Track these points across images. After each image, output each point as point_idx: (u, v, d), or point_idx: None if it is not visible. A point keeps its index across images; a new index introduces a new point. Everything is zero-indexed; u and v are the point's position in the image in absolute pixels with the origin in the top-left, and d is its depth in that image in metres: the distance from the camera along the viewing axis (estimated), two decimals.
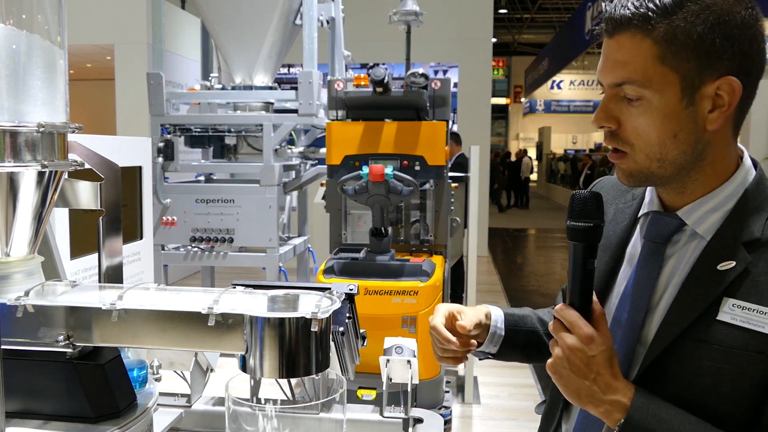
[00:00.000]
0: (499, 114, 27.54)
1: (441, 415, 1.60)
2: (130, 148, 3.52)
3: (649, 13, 0.94)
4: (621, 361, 1.01)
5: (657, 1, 0.94)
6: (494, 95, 20.31)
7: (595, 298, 1.01)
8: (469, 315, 1.30)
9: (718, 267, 0.98)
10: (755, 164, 1.06)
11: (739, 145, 1.05)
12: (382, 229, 3.31)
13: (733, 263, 0.97)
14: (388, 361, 1.51)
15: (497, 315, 1.34)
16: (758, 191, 1.03)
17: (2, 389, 0.94)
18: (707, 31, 0.93)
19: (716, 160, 1.02)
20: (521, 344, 1.35)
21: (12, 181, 1.04)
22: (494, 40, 10.64)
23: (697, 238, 1.04)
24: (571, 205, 1.01)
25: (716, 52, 0.94)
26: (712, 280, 0.98)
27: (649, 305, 1.05)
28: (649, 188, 1.14)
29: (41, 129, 1.03)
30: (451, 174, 3.78)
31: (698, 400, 0.97)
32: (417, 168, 3.40)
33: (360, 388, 3.05)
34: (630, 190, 1.21)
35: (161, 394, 1.50)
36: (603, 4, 1.01)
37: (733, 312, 0.96)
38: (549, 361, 1.00)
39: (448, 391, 3.71)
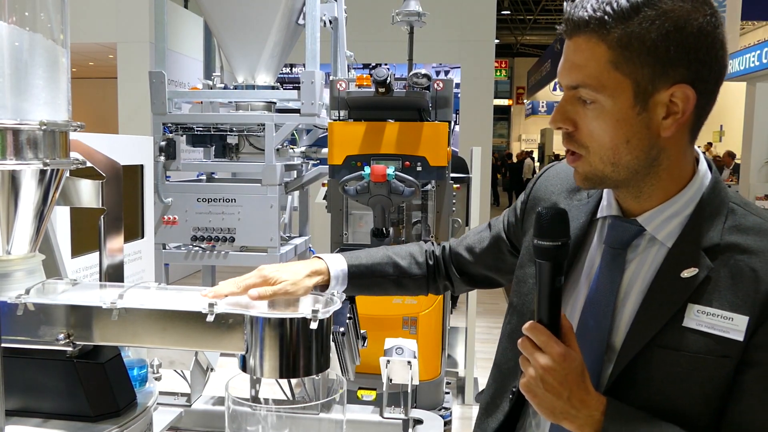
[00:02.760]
0: (502, 115, 27.51)
1: (441, 416, 1.60)
2: (131, 147, 3.52)
3: (606, 17, 0.93)
4: (590, 368, 1.01)
5: (614, 5, 0.93)
6: (496, 96, 20.32)
7: (562, 312, 1.01)
8: (263, 291, 1.20)
9: (682, 275, 1.00)
10: (710, 166, 1.07)
11: (696, 148, 1.06)
12: (384, 229, 3.31)
13: (696, 270, 0.99)
14: (388, 361, 1.51)
15: (339, 271, 1.33)
16: (714, 195, 1.04)
17: (2, 387, 0.94)
18: (662, 38, 0.92)
19: (672, 165, 1.02)
20: (361, 288, 1.38)
21: (14, 179, 1.04)
22: (497, 41, 10.63)
23: (656, 243, 1.05)
24: (538, 224, 1.00)
25: (670, 59, 0.93)
26: (677, 288, 1.00)
27: (614, 310, 1.06)
28: (606, 191, 1.14)
29: (43, 127, 1.03)
30: (452, 175, 3.78)
31: (669, 406, 0.99)
32: (419, 168, 3.40)
33: (360, 388, 3.05)
34: None
35: (161, 393, 1.50)
36: (565, 4, 1.00)
37: (698, 318, 0.98)
38: (522, 381, 1.00)
39: (448, 392, 3.70)
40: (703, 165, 1.06)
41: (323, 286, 1.31)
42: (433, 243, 1.49)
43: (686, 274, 0.99)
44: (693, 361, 0.97)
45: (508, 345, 1.24)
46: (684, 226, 1.03)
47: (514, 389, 1.19)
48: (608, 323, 1.05)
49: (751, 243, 0.99)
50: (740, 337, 0.95)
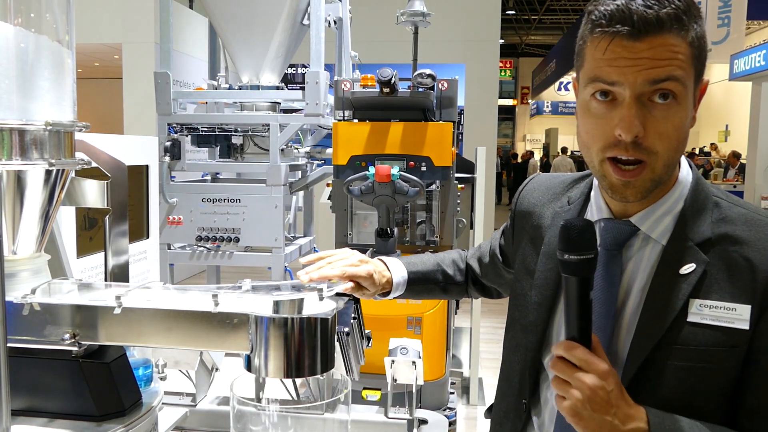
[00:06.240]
0: (506, 115, 27.48)
1: (446, 416, 1.60)
2: (136, 147, 3.53)
3: (679, 13, 0.95)
4: None
5: (682, 5, 0.95)
6: (501, 96, 20.30)
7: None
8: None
9: (680, 271, 1.01)
10: (689, 164, 1.10)
11: None
12: (388, 229, 3.30)
13: (693, 266, 1.01)
14: (393, 361, 1.51)
15: (400, 279, 1.42)
16: (699, 191, 1.06)
17: (8, 387, 0.94)
18: (703, 35, 0.98)
19: None
20: (414, 294, 1.47)
21: (19, 180, 1.04)
22: (501, 41, 10.62)
23: (651, 242, 1.06)
24: (567, 237, 0.97)
25: (705, 56, 1.00)
26: (677, 285, 1.01)
27: (615, 312, 1.06)
28: (593, 195, 1.15)
29: (48, 128, 1.03)
30: (457, 175, 3.77)
31: (683, 402, 0.99)
32: (423, 169, 3.40)
33: (365, 388, 3.05)
34: (565, 193, 1.23)
35: (166, 393, 1.51)
36: (600, 8, 0.98)
37: (701, 312, 0.99)
38: (566, 404, 0.96)
39: (453, 392, 3.70)
40: (684, 162, 1.09)
41: (386, 294, 1.40)
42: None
43: (684, 270, 1.01)
44: (703, 355, 0.98)
45: (514, 359, 1.23)
46: (676, 223, 1.05)
47: (524, 402, 1.19)
48: (611, 324, 1.06)
49: (741, 234, 1.01)
50: (746, 326, 0.97)
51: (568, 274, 0.97)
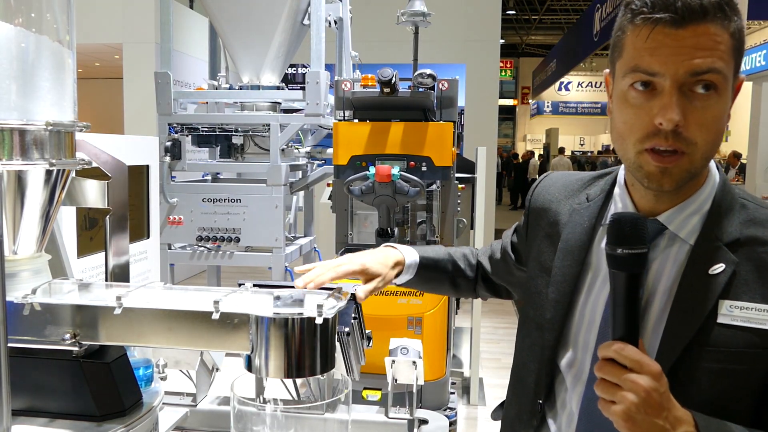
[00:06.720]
0: (507, 115, 27.47)
1: (446, 416, 1.60)
2: (137, 147, 3.53)
3: (723, 4, 0.94)
4: None
5: None
6: (502, 96, 20.29)
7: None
8: (368, 288, 1.29)
9: (709, 271, 1.00)
10: (716, 164, 1.09)
11: None
12: (389, 229, 3.31)
13: (723, 266, 0.99)
14: (393, 361, 1.51)
15: (412, 261, 1.41)
16: (726, 192, 1.06)
17: (8, 387, 0.94)
18: (743, 28, 0.98)
19: None
20: (424, 281, 1.45)
21: (20, 180, 1.04)
22: (502, 41, 10.62)
23: (677, 241, 1.05)
24: (619, 230, 0.95)
25: (743, 50, 1.00)
26: (706, 285, 0.99)
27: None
28: (617, 192, 1.13)
29: (49, 128, 1.03)
30: (457, 175, 3.77)
31: (716, 403, 0.98)
32: (424, 169, 3.40)
33: (365, 388, 3.05)
34: (583, 190, 1.22)
35: (167, 393, 1.51)
36: None
37: (732, 313, 0.98)
38: (618, 408, 0.91)
39: (453, 392, 3.70)
40: (711, 162, 1.07)
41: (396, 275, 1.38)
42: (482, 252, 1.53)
43: (713, 270, 1.00)
44: (734, 357, 0.97)
45: (529, 358, 1.22)
46: (704, 222, 1.03)
47: (540, 402, 1.18)
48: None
49: None
50: None
51: (617, 270, 0.95)
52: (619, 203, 1.12)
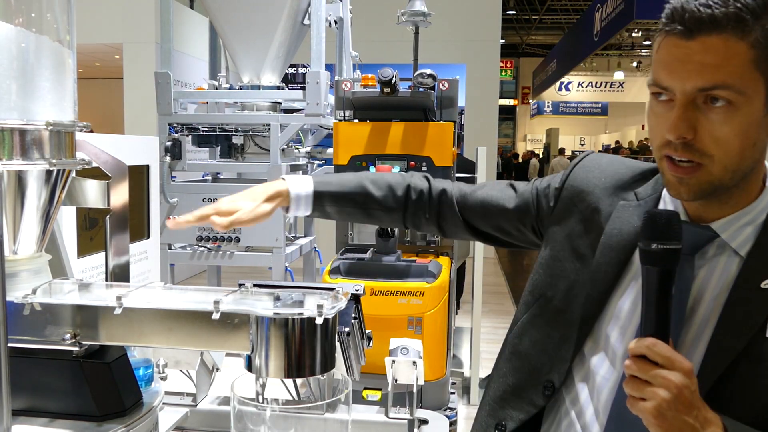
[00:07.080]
0: (507, 115, 27.47)
1: (446, 416, 1.60)
2: (137, 147, 3.53)
3: (743, 14, 0.89)
4: None
5: (748, 1, 0.90)
6: (502, 96, 20.28)
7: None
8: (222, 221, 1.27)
9: (762, 285, 0.97)
10: None
11: None
12: (389, 229, 3.31)
13: None
14: (393, 361, 1.51)
15: (301, 193, 1.32)
16: None
17: (8, 387, 0.94)
18: None
19: (759, 170, 1.01)
20: (329, 213, 1.37)
21: (20, 180, 1.04)
22: (502, 41, 10.62)
23: (726, 251, 1.02)
24: (653, 225, 0.93)
25: None
26: (758, 299, 0.96)
27: (684, 318, 1.02)
28: (669, 195, 1.09)
29: (49, 127, 1.03)
30: (458, 175, 3.77)
31: (759, 418, 0.95)
32: (424, 169, 3.40)
33: (365, 388, 3.05)
34: (632, 184, 1.17)
35: (167, 393, 1.51)
36: (669, 6, 0.94)
37: None
38: (648, 405, 0.90)
39: (453, 393, 3.70)
40: None
41: (286, 209, 1.31)
42: (429, 179, 1.43)
43: (766, 284, 0.96)
44: None
45: (539, 337, 1.19)
46: (758, 234, 1.00)
47: (549, 383, 1.15)
48: (678, 334, 1.01)
49: None
50: None
51: (650, 265, 0.94)
52: (670, 205, 1.09)
